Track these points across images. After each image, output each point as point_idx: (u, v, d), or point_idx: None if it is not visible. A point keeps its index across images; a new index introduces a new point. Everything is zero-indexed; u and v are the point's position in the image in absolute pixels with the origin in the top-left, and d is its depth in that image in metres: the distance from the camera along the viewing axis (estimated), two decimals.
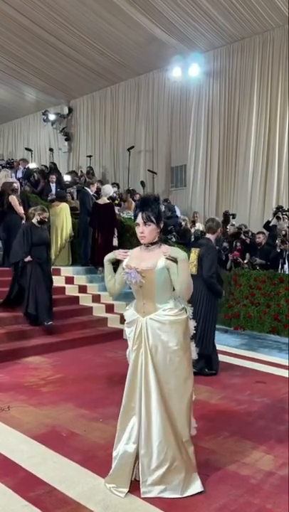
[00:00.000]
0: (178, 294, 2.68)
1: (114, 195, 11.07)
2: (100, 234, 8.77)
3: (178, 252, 2.61)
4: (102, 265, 9.68)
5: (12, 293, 6.40)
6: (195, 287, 4.81)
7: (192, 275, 5.04)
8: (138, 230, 2.70)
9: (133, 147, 13.48)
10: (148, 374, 2.63)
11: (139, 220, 2.68)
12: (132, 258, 2.76)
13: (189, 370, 2.69)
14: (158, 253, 2.68)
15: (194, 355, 2.85)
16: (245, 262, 8.24)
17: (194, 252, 5.14)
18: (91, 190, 9.36)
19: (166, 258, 2.63)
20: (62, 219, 9.22)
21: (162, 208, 2.86)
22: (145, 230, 2.67)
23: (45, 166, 13.53)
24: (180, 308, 2.72)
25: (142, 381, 2.64)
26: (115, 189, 11.97)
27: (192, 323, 2.82)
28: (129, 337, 2.78)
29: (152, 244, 2.71)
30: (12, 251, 6.56)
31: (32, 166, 13.59)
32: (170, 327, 2.65)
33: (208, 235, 5.29)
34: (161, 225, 2.72)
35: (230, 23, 10.67)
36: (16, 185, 8.55)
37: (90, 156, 14.90)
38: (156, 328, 2.67)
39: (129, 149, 13.31)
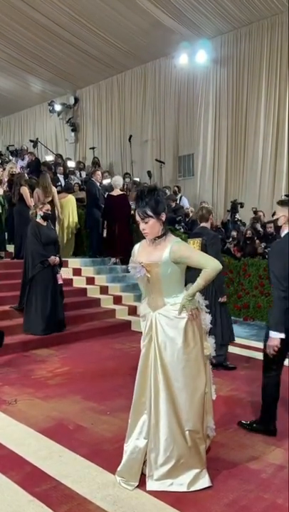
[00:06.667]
0: (209, 274, 2.56)
1: (129, 186, 11.02)
2: (116, 226, 8.72)
3: (178, 249, 2.56)
4: (121, 255, 9.54)
5: (23, 302, 6.09)
6: None
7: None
8: (140, 227, 2.62)
9: (131, 136, 13.35)
10: (157, 371, 2.57)
11: (137, 217, 2.60)
12: (141, 252, 2.69)
13: (198, 367, 2.59)
14: (164, 246, 2.59)
15: (209, 352, 2.70)
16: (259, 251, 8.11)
17: (194, 243, 4.89)
18: (96, 180, 9.29)
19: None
20: (69, 211, 9.12)
21: (162, 195, 2.67)
22: (146, 227, 2.58)
23: (59, 156, 13.49)
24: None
25: (152, 377, 2.58)
26: (128, 179, 11.87)
27: (208, 318, 2.70)
28: (143, 331, 2.73)
29: (158, 237, 2.61)
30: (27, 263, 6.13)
31: (49, 158, 13.55)
32: (176, 323, 2.57)
33: (202, 224, 5.09)
34: (163, 217, 2.58)
35: (237, 7, 10.39)
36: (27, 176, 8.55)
37: (93, 148, 14.75)
38: (164, 324, 2.59)
39: (129, 139, 13.26)
